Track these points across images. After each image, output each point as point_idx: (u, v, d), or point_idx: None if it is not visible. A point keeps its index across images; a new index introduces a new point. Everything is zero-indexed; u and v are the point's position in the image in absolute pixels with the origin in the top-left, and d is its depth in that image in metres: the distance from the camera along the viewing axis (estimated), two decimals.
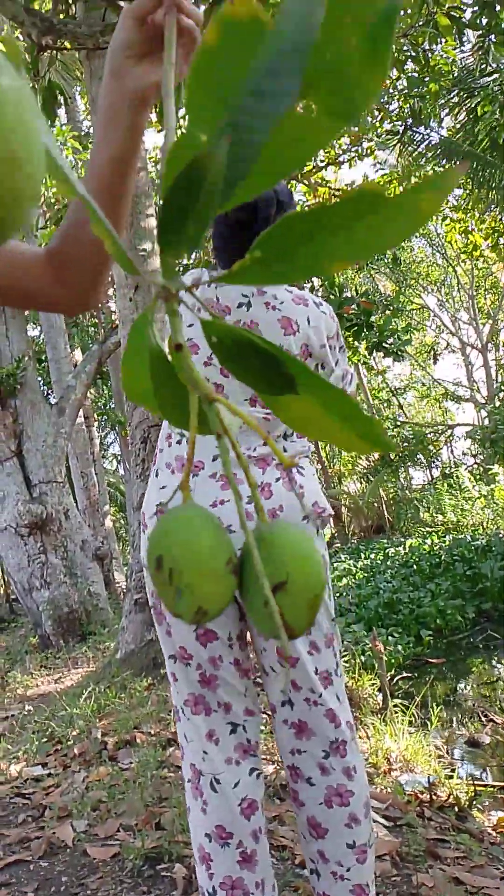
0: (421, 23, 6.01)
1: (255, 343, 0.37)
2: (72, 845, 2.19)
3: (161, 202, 0.33)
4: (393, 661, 4.59)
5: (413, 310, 19.20)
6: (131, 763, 2.74)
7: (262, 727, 2.70)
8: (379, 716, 3.08)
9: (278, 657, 1.48)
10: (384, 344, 7.81)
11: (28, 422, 6.62)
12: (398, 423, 18.32)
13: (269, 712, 1.57)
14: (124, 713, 3.25)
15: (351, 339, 7.85)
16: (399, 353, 8.08)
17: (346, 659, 3.58)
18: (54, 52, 4.53)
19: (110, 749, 2.91)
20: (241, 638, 1.50)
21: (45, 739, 3.19)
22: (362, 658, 3.77)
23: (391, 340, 7.80)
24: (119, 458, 16.81)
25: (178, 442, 1.44)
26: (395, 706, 3.15)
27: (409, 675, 4.46)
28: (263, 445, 1.43)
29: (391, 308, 9.22)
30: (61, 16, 4.63)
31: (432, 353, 20.19)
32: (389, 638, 5.40)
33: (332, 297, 7.96)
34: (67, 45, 4.33)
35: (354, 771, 1.44)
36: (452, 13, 6.01)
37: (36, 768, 2.90)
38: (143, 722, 3.12)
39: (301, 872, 1.89)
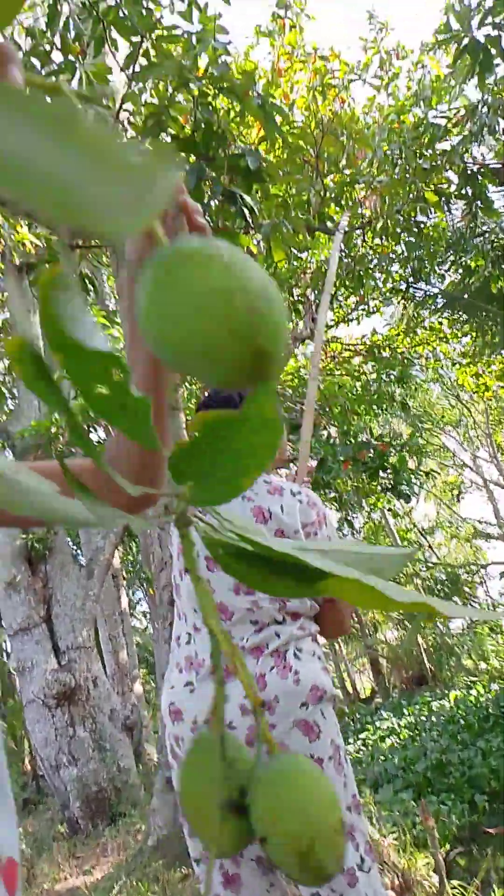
0: (411, 198, 6.64)
1: (260, 550, 0.37)
2: None
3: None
4: (447, 833, 4.23)
5: (433, 451, 19.48)
6: None
7: None
8: None
9: None
10: (399, 486, 7.88)
11: (58, 585, 6.63)
12: (430, 565, 17.97)
13: None
14: None
15: (368, 482, 7.94)
16: (410, 495, 8.09)
17: (395, 836, 3.32)
18: (85, 248, 5.05)
19: None
20: None
21: None
22: (414, 831, 3.49)
23: (405, 484, 7.87)
24: (148, 615, 16.53)
25: (188, 643, 1.48)
26: (453, 889, 2.88)
27: (466, 848, 4.08)
28: (255, 634, 1.45)
29: (408, 448, 9.39)
30: None
31: (455, 492, 20.19)
32: (441, 806, 4.99)
33: (347, 443, 8.17)
34: (96, 241, 4.83)
35: None
36: (439, 188, 6.64)
37: None
38: None
39: None
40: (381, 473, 7.75)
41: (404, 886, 2.89)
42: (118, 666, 8.57)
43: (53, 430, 7.02)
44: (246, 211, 4.34)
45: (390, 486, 7.90)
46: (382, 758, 6.83)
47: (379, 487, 8.07)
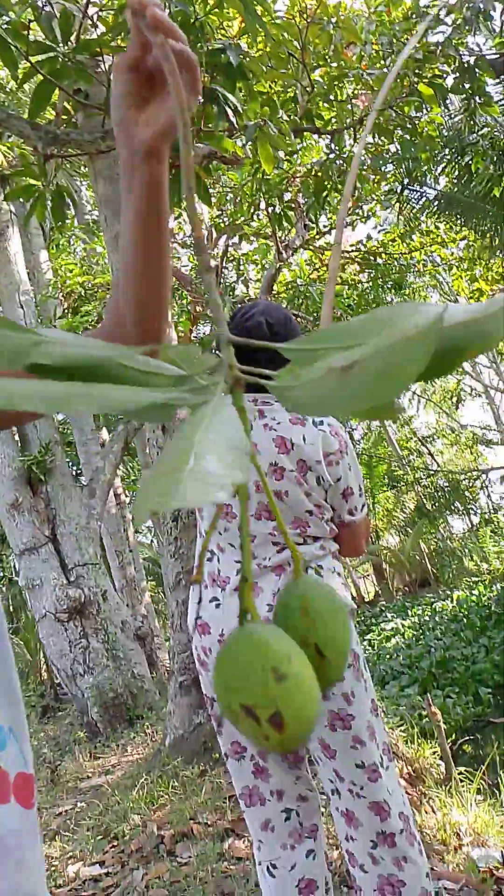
0: (405, 94, 6.26)
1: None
2: None
3: None
4: (453, 724, 4.42)
5: None
6: (190, 857, 2.64)
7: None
8: (443, 787, 2.95)
9: (320, 748, 1.52)
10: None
11: (60, 506, 6.69)
12: (431, 472, 18.13)
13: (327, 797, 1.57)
14: (178, 804, 3.15)
15: None
16: (400, 408, 8.01)
17: (402, 728, 3.46)
18: (60, 159, 4.79)
19: (167, 843, 2.82)
20: None
21: (100, 836, 3.10)
22: (420, 725, 3.63)
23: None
24: (152, 530, 16.82)
25: (209, 560, 1.53)
26: (459, 774, 3.02)
27: (472, 737, 4.28)
28: (277, 554, 1.49)
29: None
30: (63, 126, 4.91)
31: (455, 398, 20.14)
32: (447, 699, 5.21)
33: None
34: (71, 151, 4.58)
35: (405, 861, 1.45)
36: (434, 82, 6.25)
37: (94, 867, 2.81)
38: (198, 812, 3.02)
39: None
40: None
41: (413, 775, 3.03)
42: (126, 580, 8.77)
43: None
44: (229, 111, 4.08)
45: None
46: (388, 657, 7.08)
47: None
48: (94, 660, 6.03)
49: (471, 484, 16.92)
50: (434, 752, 3.29)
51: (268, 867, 1.54)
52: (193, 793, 3.26)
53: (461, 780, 3.03)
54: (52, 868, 2.90)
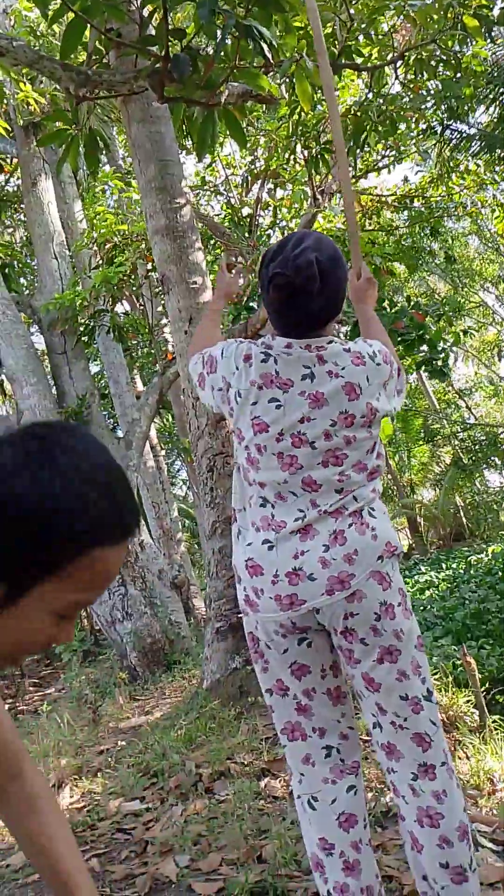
0: (449, 26, 5.94)
1: None
2: (176, 881, 2.19)
3: None
4: (486, 674, 4.43)
5: (472, 308, 18.79)
6: (227, 795, 2.72)
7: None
8: (477, 734, 2.97)
9: (364, 683, 1.55)
10: (433, 361, 7.59)
11: None
12: (468, 426, 17.87)
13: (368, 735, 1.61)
14: (216, 744, 3.23)
15: (404, 352, 7.68)
16: (446, 372, 7.82)
17: (436, 676, 3.47)
18: (92, 101, 4.68)
19: (205, 781, 2.90)
20: (333, 667, 1.61)
21: (140, 774, 3.20)
22: (454, 674, 3.65)
23: (442, 357, 7.55)
24: (187, 482, 16.99)
25: (262, 506, 1.54)
26: (493, 723, 3.04)
27: None
28: (338, 499, 1.52)
29: (446, 314, 8.98)
30: (95, 66, 4.79)
31: (497, 350, 19.67)
32: (480, 650, 5.23)
33: (381, 310, 7.84)
34: (104, 93, 4.46)
35: (445, 795, 1.49)
36: (479, 13, 5.91)
37: (134, 803, 2.92)
38: (235, 752, 3.10)
39: None
40: (416, 348, 7.47)
41: (447, 722, 3.05)
42: (163, 530, 8.90)
43: (78, 301, 6.87)
44: (265, 47, 3.92)
45: (425, 361, 7.63)
46: (422, 608, 7.10)
47: (414, 363, 7.83)
48: (132, 607, 6.17)
49: None
50: (468, 701, 3.31)
51: (308, 800, 1.59)
52: (230, 734, 3.34)
53: (495, 729, 3.05)
54: (95, 803, 3.02)
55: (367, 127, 6.28)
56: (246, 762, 2.98)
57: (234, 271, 2.06)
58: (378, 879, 1.59)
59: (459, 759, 2.76)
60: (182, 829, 2.51)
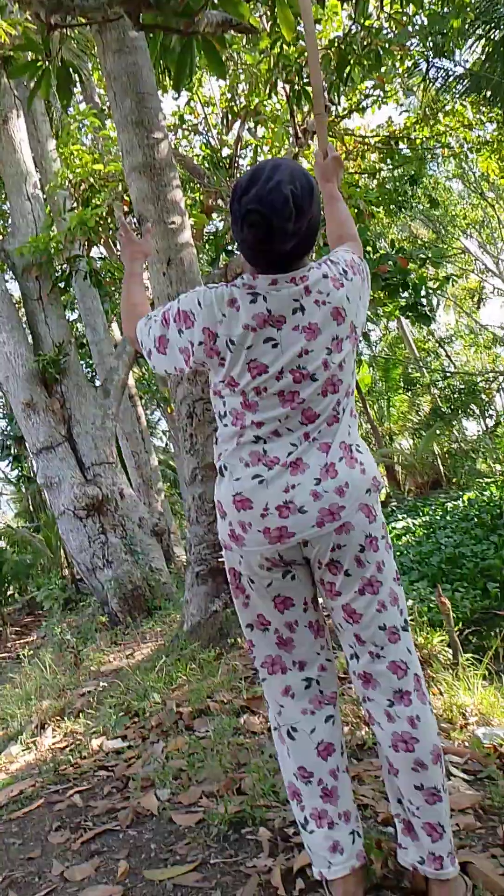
0: None
1: None
2: (157, 814, 2.25)
3: None
4: (460, 616, 4.54)
5: (454, 255, 18.60)
6: (207, 732, 2.78)
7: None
8: (451, 671, 3.05)
9: (344, 615, 1.60)
10: (419, 305, 7.55)
11: (76, 406, 6.70)
12: (447, 374, 17.91)
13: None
14: (196, 684, 3.30)
15: (386, 299, 7.61)
16: (430, 316, 7.79)
17: (411, 617, 3.55)
18: (65, 29, 4.46)
19: (186, 719, 2.97)
20: (314, 601, 1.65)
21: (122, 713, 3.26)
22: (429, 615, 3.73)
23: (425, 301, 7.51)
24: (167, 433, 16.95)
25: (254, 442, 1.54)
26: (466, 661, 3.11)
27: (479, 628, 4.41)
28: (328, 428, 1.54)
29: (429, 259, 8.88)
30: None
31: (478, 297, 19.58)
32: (455, 593, 5.35)
33: (366, 255, 7.72)
34: (78, 20, 4.25)
35: (418, 720, 1.55)
36: None
37: (116, 741, 2.98)
38: (215, 691, 3.16)
39: (384, 829, 1.90)
40: (400, 292, 7.39)
41: (422, 660, 3.12)
42: (143, 479, 8.91)
43: (53, 244, 6.68)
44: None
45: (410, 305, 7.58)
46: (398, 553, 7.22)
47: (399, 307, 7.76)
48: (112, 554, 6.20)
49: (487, 386, 16.74)
50: (442, 640, 3.39)
51: (288, 730, 1.64)
52: (210, 674, 3.41)
53: (467, 666, 3.13)
54: (77, 742, 3.08)
55: (351, 60, 6.07)
56: (225, 700, 3.04)
57: (149, 236, 1.99)
58: (354, 805, 1.64)
59: (434, 694, 2.84)
60: (163, 764, 2.57)
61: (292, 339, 1.51)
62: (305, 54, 6.55)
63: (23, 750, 3.24)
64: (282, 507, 1.49)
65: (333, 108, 7.75)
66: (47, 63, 4.41)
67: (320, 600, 1.68)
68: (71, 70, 4.66)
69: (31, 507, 14.51)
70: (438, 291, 7.84)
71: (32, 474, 12.93)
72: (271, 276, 1.52)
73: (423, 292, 7.13)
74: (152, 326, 1.66)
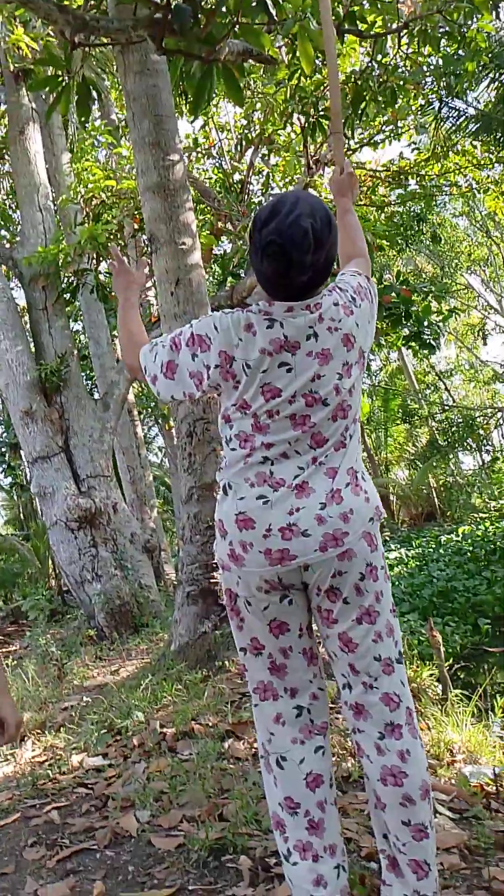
0: None
1: None
2: (136, 835, 2.21)
3: None
4: (450, 650, 4.51)
5: (457, 290, 18.79)
6: (191, 754, 2.74)
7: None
8: (439, 707, 3.02)
9: (339, 644, 1.59)
10: (422, 335, 7.62)
11: (74, 418, 6.70)
12: (446, 408, 17.98)
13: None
14: (182, 705, 3.25)
15: (389, 329, 7.68)
16: (434, 345, 7.88)
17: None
18: (87, 48, 4.53)
19: (169, 740, 2.92)
20: (308, 628, 1.64)
21: (104, 730, 3.22)
22: (419, 648, 3.70)
23: (428, 332, 7.60)
24: (164, 450, 16.92)
25: (261, 463, 1.54)
26: (455, 696, 3.09)
27: (468, 664, 4.38)
28: (335, 454, 1.56)
29: (432, 294, 8.98)
30: (93, 11, 4.63)
31: (480, 333, 19.73)
32: (445, 627, 5.32)
33: None
34: (102, 40, 4.32)
35: (408, 754, 1.54)
36: None
37: (96, 759, 2.93)
38: (200, 714, 3.12)
39: (368, 865, 1.87)
40: (403, 322, 7.46)
41: (412, 693, 3.10)
42: (137, 495, 8.87)
43: (61, 256, 6.72)
44: (269, 3, 3.82)
45: (413, 335, 7.65)
46: (391, 584, 7.19)
47: (402, 336, 7.83)
48: (102, 568, 6.16)
49: (485, 421, 16.80)
50: (431, 675, 3.36)
51: (277, 759, 1.62)
52: (196, 696, 3.37)
53: (456, 702, 3.11)
54: (57, 757, 3.03)
55: (367, 96, 6.17)
56: (210, 724, 3.00)
57: (144, 268, 1.99)
58: (341, 839, 1.62)
59: (421, 729, 2.81)
60: (144, 785, 2.53)
61: (306, 364, 1.53)
62: (322, 86, 6.67)
63: (1, 761, 3.19)
64: (285, 528, 1.49)
65: (347, 141, 7.86)
66: (67, 79, 4.48)
67: (314, 628, 1.67)
68: (91, 87, 4.73)
69: (21, 515, 14.43)
70: (442, 323, 7.90)
71: (26, 482, 12.89)
72: (288, 303, 1.54)
73: (425, 323, 7.20)
74: (159, 352, 1.65)
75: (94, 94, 4.90)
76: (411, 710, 1.58)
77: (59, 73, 4.43)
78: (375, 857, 1.79)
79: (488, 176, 9.82)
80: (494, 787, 2.33)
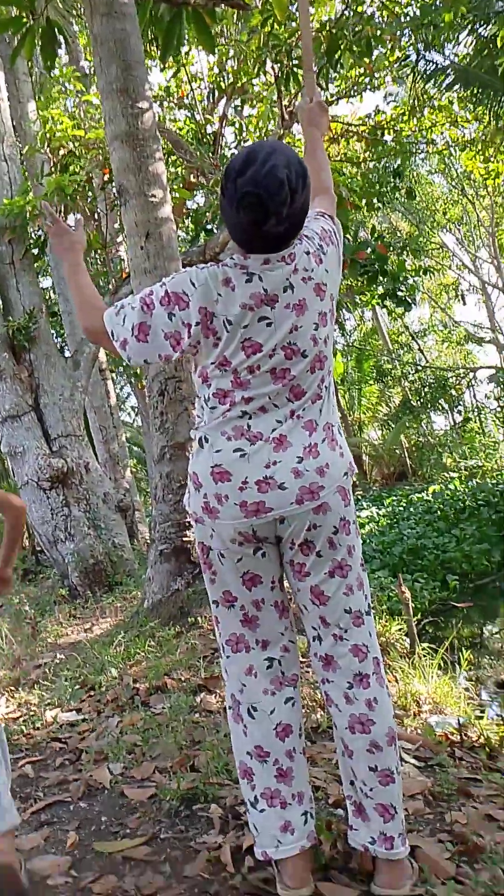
0: None
1: None
2: (109, 787, 2.24)
3: None
4: (419, 606, 4.61)
5: (432, 249, 18.69)
6: (163, 708, 2.78)
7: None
8: (407, 660, 3.09)
9: (311, 597, 1.61)
10: (398, 292, 7.59)
11: (44, 376, 6.59)
12: (419, 368, 18.06)
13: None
14: (154, 661, 3.29)
15: (365, 285, 7.63)
16: (411, 302, 7.87)
17: (372, 605, 3.59)
18: None
19: (142, 695, 2.96)
20: (280, 581, 1.66)
21: (77, 686, 3.25)
22: (388, 604, 3.77)
23: (404, 288, 7.58)
24: (137, 410, 16.80)
25: (240, 416, 1.54)
26: (423, 650, 3.16)
27: (436, 619, 4.49)
28: (311, 405, 1.56)
29: (408, 249, 8.92)
30: None
31: (456, 294, 19.72)
32: (415, 584, 5.43)
33: (345, 242, 7.71)
34: None
35: (375, 702, 1.58)
36: None
37: (70, 714, 2.97)
38: (173, 669, 3.16)
39: (335, 811, 1.92)
40: (379, 278, 7.41)
41: (380, 647, 3.16)
42: (109, 455, 8.82)
43: (28, 209, 6.52)
44: None
45: (389, 292, 7.61)
46: (362, 542, 7.29)
47: (376, 294, 7.78)
48: (75, 527, 6.14)
49: (458, 382, 16.93)
50: (400, 629, 3.44)
51: (248, 709, 1.64)
52: (169, 652, 3.40)
53: (424, 656, 3.19)
54: (31, 714, 3.05)
55: (342, 45, 6.02)
56: (183, 678, 3.04)
57: (80, 226, 1.90)
58: (309, 787, 1.66)
59: (390, 682, 2.87)
60: (117, 739, 2.57)
61: (284, 316, 1.51)
62: (296, 35, 6.48)
63: None
64: (261, 481, 1.49)
65: (322, 93, 7.67)
66: (32, 21, 4.29)
67: (286, 583, 1.69)
68: (56, 30, 4.54)
69: None
70: (419, 275, 7.88)
71: None
72: (262, 255, 1.50)
73: (401, 279, 7.17)
74: (128, 314, 1.57)
75: (61, 37, 4.71)
76: (379, 661, 1.62)
77: (23, 14, 4.24)
78: (342, 804, 1.84)
79: (464, 135, 9.70)
80: (458, 737, 2.41)
